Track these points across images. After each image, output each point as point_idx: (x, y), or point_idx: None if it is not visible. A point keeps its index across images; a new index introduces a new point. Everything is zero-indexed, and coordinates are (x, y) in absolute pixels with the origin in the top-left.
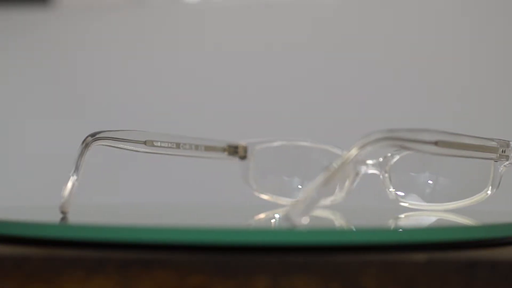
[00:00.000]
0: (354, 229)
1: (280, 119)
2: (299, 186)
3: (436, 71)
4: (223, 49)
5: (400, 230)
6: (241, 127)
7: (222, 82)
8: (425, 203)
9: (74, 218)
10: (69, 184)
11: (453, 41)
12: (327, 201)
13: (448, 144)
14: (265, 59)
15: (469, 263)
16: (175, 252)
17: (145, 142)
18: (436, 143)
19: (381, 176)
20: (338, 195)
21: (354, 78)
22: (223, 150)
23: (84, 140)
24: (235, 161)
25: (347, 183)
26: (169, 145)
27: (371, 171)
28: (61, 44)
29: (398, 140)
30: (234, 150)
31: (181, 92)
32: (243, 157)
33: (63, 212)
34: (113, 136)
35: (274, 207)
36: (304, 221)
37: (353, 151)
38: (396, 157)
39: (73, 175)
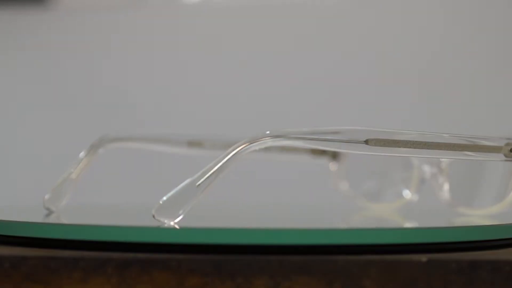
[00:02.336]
0: (354, 230)
1: (281, 119)
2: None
3: (436, 71)
4: (223, 49)
5: (401, 231)
6: (242, 127)
7: (222, 82)
8: (473, 208)
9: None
10: (60, 181)
11: (453, 42)
12: (397, 203)
13: (383, 142)
14: (265, 59)
15: (470, 264)
16: (175, 252)
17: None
18: (366, 142)
19: (440, 181)
20: (403, 199)
21: (354, 78)
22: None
23: (98, 140)
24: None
25: (413, 186)
26: None
27: (433, 174)
28: (58, 44)
29: (295, 138)
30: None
31: (181, 92)
32: (335, 156)
33: (47, 208)
34: (127, 137)
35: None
36: (177, 219)
37: (237, 147)
38: (452, 162)
39: (69, 173)
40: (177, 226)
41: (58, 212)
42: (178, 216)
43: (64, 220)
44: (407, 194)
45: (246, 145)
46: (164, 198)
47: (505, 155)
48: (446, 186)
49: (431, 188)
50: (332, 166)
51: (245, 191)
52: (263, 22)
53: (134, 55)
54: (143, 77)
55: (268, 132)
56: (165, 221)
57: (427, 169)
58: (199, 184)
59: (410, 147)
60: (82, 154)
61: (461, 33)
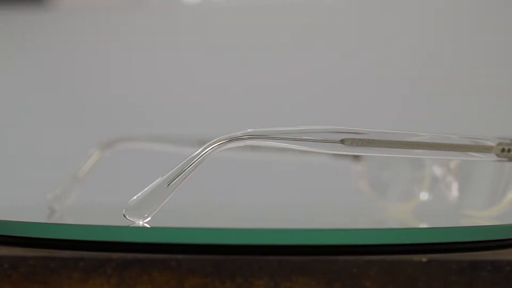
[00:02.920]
0: (354, 230)
1: (281, 119)
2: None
3: (437, 71)
4: (223, 49)
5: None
6: (242, 126)
7: (222, 82)
8: (478, 210)
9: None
10: (65, 180)
11: (454, 41)
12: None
13: (359, 142)
14: (266, 59)
15: (470, 264)
16: (174, 252)
17: None
18: (342, 141)
19: (448, 181)
20: (415, 200)
21: (353, 78)
22: None
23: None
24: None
25: (426, 187)
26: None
27: (443, 175)
28: (58, 45)
29: (263, 138)
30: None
31: (181, 92)
32: (356, 157)
33: (51, 207)
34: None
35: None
36: (147, 218)
37: (208, 147)
38: (460, 163)
39: (75, 173)
40: (147, 226)
41: (62, 211)
42: (149, 216)
43: (67, 220)
44: (422, 194)
45: (217, 145)
46: (135, 197)
47: (497, 155)
48: (453, 187)
49: (441, 188)
50: (354, 166)
51: (249, 192)
52: (263, 22)
53: (134, 55)
54: (143, 77)
55: (242, 131)
56: (135, 220)
57: (438, 169)
58: (169, 184)
59: (386, 147)
60: (91, 153)
61: (461, 33)
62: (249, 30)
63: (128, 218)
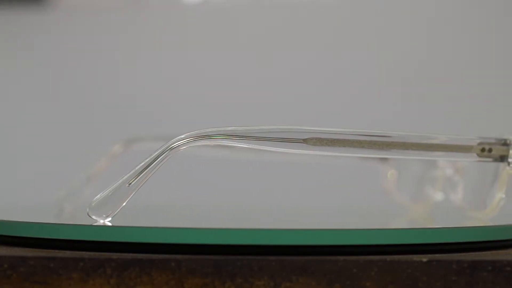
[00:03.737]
0: (354, 230)
1: (280, 118)
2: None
3: (437, 71)
4: (223, 49)
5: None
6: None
7: (222, 82)
8: (477, 211)
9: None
10: (76, 182)
11: (454, 42)
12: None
13: (322, 142)
14: (266, 59)
15: (470, 265)
16: (174, 252)
17: None
18: (305, 141)
19: (455, 180)
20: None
21: (354, 77)
22: None
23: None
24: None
25: (437, 187)
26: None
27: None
28: (58, 45)
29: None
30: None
31: (181, 92)
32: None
33: (60, 206)
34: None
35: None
36: (109, 216)
37: (168, 146)
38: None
39: (89, 174)
40: (109, 224)
41: (71, 211)
42: (111, 214)
43: (73, 220)
44: (437, 194)
45: (178, 144)
46: (98, 196)
47: (478, 155)
48: (459, 188)
49: (448, 189)
50: (382, 168)
51: (249, 192)
52: (263, 22)
53: (134, 55)
54: (143, 77)
55: (203, 130)
56: (98, 219)
57: (451, 170)
58: (130, 183)
59: (351, 147)
60: (106, 152)
61: (461, 33)
62: (249, 30)
63: (91, 216)
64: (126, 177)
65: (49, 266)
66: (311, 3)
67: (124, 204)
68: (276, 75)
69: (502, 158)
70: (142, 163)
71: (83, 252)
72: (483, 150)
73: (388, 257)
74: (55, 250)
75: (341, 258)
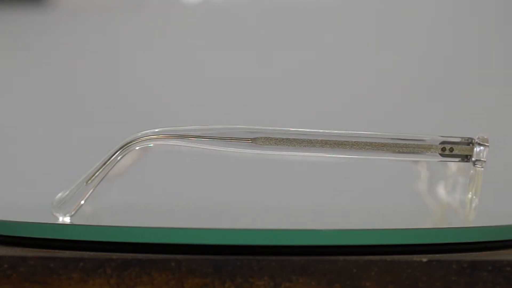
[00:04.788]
0: (354, 231)
1: (279, 118)
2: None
3: (437, 71)
4: (223, 49)
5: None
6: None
7: (222, 82)
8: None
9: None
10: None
11: (454, 42)
12: None
13: (270, 141)
14: (265, 59)
15: (470, 265)
16: (174, 252)
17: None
18: (253, 140)
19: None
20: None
21: (353, 77)
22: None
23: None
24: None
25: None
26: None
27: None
28: (58, 44)
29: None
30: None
31: (181, 92)
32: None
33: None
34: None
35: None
36: (70, 214)
37: (120, 146)
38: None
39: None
40: (68, 221)
41: (91, 212)
42: (72, 212)
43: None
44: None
45: (129, 145)
46: (60, 194)
47: (441, 155)
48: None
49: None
50: (413, 168)
51: (250, 192)
52: (263, 22)
53: (134, 55)
54: (143, 77)
55: (152, 130)
56: (60, 216)
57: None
58: (88, 182)
59: (298, 146)
60: (117, 155)
61: (461, 34)
62: (249, 30)
63: (54, 214)
64: (84, 176)
65: (49, 266)
66: (311, 3)
67: (83, 202)
68: (276, 75)
69: (467, 158)
70: (98, 163)
71: (83, 252)
72: (443, 149)
73: (388, 257)
74: (55, 250)
75: (341, 258)
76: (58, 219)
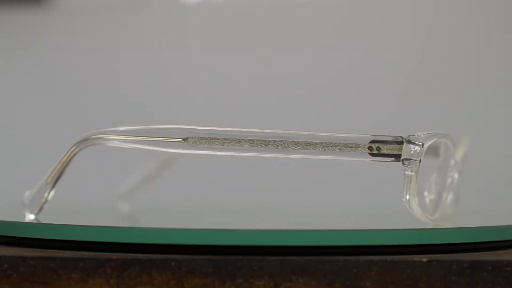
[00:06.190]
0: (354, 231)
1: (279, 118)
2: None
3: (436, 71)
4: (223, 49)
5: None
6: (240, 126)
7: (222, 82)
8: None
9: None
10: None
11: (454, 42)
12: None
13: (203, 141)
14: (266, 59)
15: (471, 265)
16: (174, 252)
17: None
18: (185, 140)
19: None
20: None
21: (353, 77)
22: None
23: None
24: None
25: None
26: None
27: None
28: (58, 45)
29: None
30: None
31: (180, 92)
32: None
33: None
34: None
35: None
36: (36, 211)
37: (70, 150)
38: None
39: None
40: (31, 217)
41: (128, 211)
42: (37, 209)
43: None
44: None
45: (74, 147)
46: (27, 193)
47: (371, 155)
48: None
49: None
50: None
51: (251, 192)
52: (263, 22)
53: (134, 55)
54: (143, 77)
55: (87, 133)
56: (28, 213)
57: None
58: (47, 181)
59: (228, 146)
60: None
61: (461, 34)
62: (249, 30)
63: (24, 212)
64: (45, 175)
65: (49, 266)
66: (311, 3)
67: (43, 200)
68: (276, 75)
69: (398, 157)
70: (56, 163)
71: (83, 252)
72: (371, 148)
73: (388, 257)
74: (55, 250)
75: (341, 258)
76: (26, 217)
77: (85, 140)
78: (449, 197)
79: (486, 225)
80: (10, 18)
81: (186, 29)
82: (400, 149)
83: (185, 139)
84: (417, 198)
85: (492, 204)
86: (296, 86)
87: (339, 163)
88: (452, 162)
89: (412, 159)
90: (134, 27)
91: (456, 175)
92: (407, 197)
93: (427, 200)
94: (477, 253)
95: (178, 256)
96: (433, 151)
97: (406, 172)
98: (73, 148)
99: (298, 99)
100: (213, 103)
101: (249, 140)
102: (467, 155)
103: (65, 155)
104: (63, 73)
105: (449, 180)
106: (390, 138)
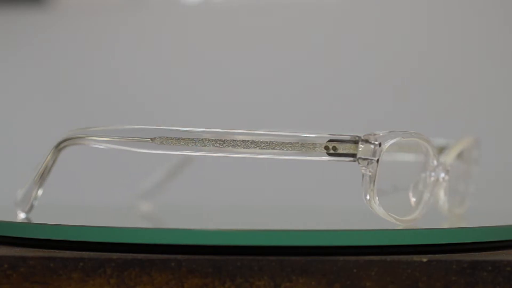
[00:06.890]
0: (354, 231)
1: (278, 118)
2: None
3: (436, 71)
4: (223, 49)
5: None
6: (239, 126)
7: (222, 82)
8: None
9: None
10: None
11: (454, 42)
12: None
13: (169, 140)
14: (266, 59)
15: (470, 265)
16: (174, 253)
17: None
18: (152, 140)
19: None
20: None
21: (353, 77)
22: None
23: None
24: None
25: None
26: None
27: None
28: (58, 44)
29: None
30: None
31: (180, 92)
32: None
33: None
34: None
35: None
36: (27, 210)
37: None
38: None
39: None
40: (22, 216)
41: (148, 210)
42: (29, 207)
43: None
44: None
45: (56, 145)
46: (18, 191)
47: (329, 155)
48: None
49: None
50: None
51: (251, 192)
52: (263, 22)
53: (134, 55)
54: (143, 77)
55: (71, 131)
56: (20, 212)
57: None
58: (35, 180)
59: (192, 145)
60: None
61: (460, 34)
62: (249, 30)
63: (17, 210)
64: (34, 175)
65: (49, 266)
66: (311, 3)
67: (32, 199)
68: (275, 75)
69: (354, 157)
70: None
71: (83, 252)
72: (327, 148)
73: (388, 257)
74: (55, 250)
75: (341, 258)
76: (19, 215)
77: (64, 140)
78: (441, 197)
79: (486, 225)
80: (10, 18)
81: (186, 29)
82: (356, 148)
83: (152, 139)
84: (377, 198)
85: (492, 204)
86: (296, 86)
87: (339, 163)
88: (435, 162)
89: (368, 159)
90: (134, 27)
91: (442, 175)
92: (367, 197)
93: (412, 201)
94: (477, 253)
95: (178, 256)
96: (417, 150)
97: (363, 172)
98: (53, 148)
99: (297, 99)
100: (213, 103)
101: (212, 140)
102: (478, 156)
103: (48, 154)
104: (63, 73)
105: (431, 180)
106: (347, 137)
